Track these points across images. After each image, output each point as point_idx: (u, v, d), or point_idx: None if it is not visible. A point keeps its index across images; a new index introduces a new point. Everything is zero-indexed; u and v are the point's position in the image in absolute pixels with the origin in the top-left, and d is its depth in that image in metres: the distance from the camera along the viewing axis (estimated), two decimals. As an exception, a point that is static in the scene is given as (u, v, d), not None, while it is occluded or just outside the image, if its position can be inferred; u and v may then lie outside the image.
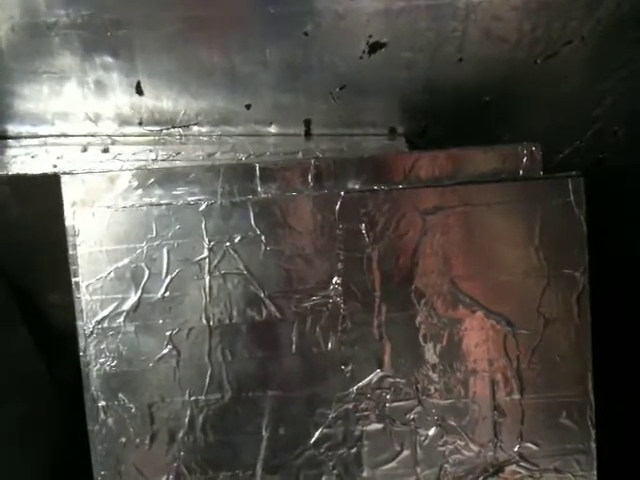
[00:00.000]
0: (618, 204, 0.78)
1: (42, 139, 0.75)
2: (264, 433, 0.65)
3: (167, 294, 0.64)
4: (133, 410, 0.64)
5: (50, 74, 0.70)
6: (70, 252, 0.64)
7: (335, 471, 0.66)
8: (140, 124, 0.75)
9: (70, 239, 0.64)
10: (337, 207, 0.65)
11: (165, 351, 0.65)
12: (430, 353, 0.66)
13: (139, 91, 0.72)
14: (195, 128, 0.76)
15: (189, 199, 0.65)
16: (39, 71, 0.70)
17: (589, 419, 0.66)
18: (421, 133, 0.79)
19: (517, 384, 0.66)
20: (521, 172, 0.66)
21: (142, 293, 0.64)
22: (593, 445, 0.66)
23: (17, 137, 0.75)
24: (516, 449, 0.66)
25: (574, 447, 0.66)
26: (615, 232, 0.77)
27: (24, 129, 0.75)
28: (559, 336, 0.66)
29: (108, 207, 0.64)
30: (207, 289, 0.65)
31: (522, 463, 0.66)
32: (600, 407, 0.66)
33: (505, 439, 0.66)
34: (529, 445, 0.66)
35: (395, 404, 0.66)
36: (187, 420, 0.65)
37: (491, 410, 0.66)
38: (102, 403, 0.64)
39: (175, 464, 0.65)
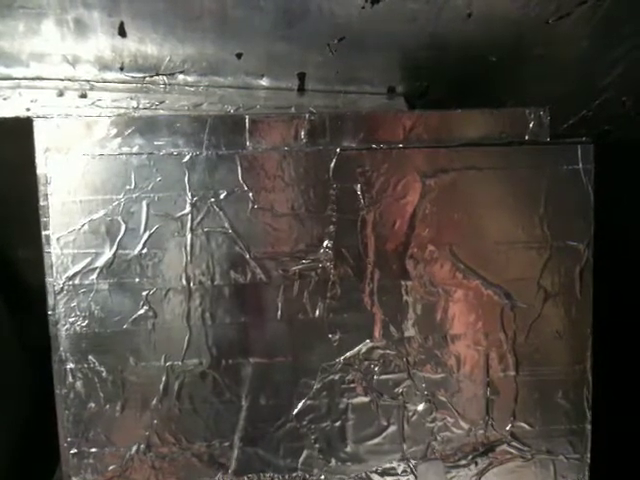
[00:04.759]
0: (623, 178, 0.75)
1: (15, 81, 0.70)
2: (244, 402, 0.61)
3: (144, 251, 0.60)
4: (104, 374, 0.60)
5: (26, 9, 0.64)
6: (41, 202, 0.60)
7: (317, 445, 0.62)
8: (121, 69, 0.70)
9: (41, 188, 0.60)
10: (332, 165, 0.61)
11: (141, 312, 0.60)
12: (423, 324, 0.62)
13: (122, 33, 0.66)
14: (181, 77, 0.71)
15: (172, 150, 0.60)
16: (14, 5, 0.64)
17: (586, 400, 0.63)
18: (421, 94, 0.74)
19: (512, 360, 0.63)
20: (527, 137, 0.63)
21: (117, 249, 0.60)
22: (588, 427, 0.64)
23: (-12, 78, 0.70)
24: (508, 428, 0.64)
25: (568, 428, 0.64)
26: (618, 207, 0.74)
27: (-4, 69, 0.70)
28: (559, 311, 0.63)
29: (84, 155, 0.59)
30: (188, 247, 0.60)
31: (514, 443, 0.64)
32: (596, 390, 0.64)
33: (497, 417, 0.63)
34: (522, 424, 0.64)
35: (383, 377, 0.63)
36: (162, 386, 0.61)
37: (484, 386, 0.63)
38: (71, 365, 0.60)
39: (147, 433, 0.61)
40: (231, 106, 0.71)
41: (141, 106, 0.70)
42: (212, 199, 0.60)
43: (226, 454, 0.61)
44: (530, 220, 0.62)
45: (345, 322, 0.62)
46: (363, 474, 0.63)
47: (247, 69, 0.71)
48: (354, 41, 0.68)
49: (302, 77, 0.72)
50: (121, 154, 0.60)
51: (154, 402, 0.61)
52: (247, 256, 0.61)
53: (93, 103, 0.69)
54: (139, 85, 0.71)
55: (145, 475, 0.61)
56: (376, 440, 0.63)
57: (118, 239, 0.60)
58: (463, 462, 0.64)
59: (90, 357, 0.60)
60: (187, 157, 0.60)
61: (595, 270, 0.63)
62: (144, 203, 0.60)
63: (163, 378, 0.61)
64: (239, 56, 0.69)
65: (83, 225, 0.59)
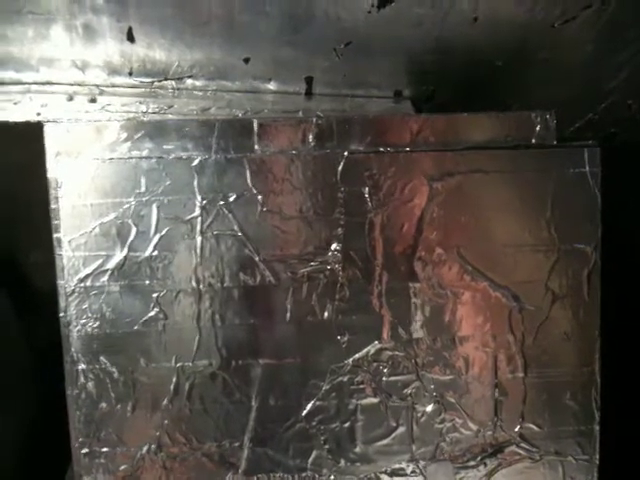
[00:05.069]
0: (629, 180, 0.76)
1: (25, 86, 0.71)
2: (253, 403, 0.62)
3: (155, 253, 0.60)
4: (115, 374, 0.61)
5: (35, 15, 0.65)
6: (52, 206, 0.60)
7: (327, 446, 0.63)
8: (130, 74, 0.71)
9: (52, 192, 0.60)
10: (340, 168, 0.61)
11: (151, 314, 0.61)
12: (431, 326, 0.62)
13: (130, 38, 0.67)
14: (189, 81, 0.72)
15: (181, 154, 0.61)
16: (23, 11, 0.65)
17: (594, 401, 0.63)
18: (428, 98, 0.75)
19: (521, 362, 0.63)
20: (534, 140, 0.63)
21: (128, 251, 0.60)
22: (596, 428, 0.64)
23: (-1, 83, 0.71)
24: (517, 429, 0.64)
25: (576, 429, 0.64)
26: (624, 209, 0.74)
27: (6, 75, 0.70)
28: (567, 313, 0.63)
29: (94, 159, 0.60)
30: (198, 250, 0.61)
31: (522, 444, 0.64)
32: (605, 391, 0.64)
33: (506, 419, 0.64)
34: (530, 426, 0.64)
35: (392, 378, 0.63)
36: (172, 387, 0.61)
37: (492, 388, 0.63)
38: (82, 366, 0.60)
39: (158, 433, 0.61)
40: (239, 110, 0.71)
41: (150, 110, 0.70)
42: (221, 202, 0.61)
43: (236, 454, 0.62)
44: (537, 223, 0.62)
45: (354, 324, 0.62)
46: (372, 475, 0.63)
47: (255, 73, 0.71)
48: (361, 45, 0.69)
49: (309, 81, 0.72)
50: (131, 158, 0.60)
51: (165, 402, 0.61)
52: (256, 258, 0.61)
53: (103, 108, 0.70)
54: (148, 90, 0.72)
55: (156, 475, 0.61)
56: (385, 441, 0.63)
57: (129, 242, 0.60)
58: (472, 463, 0.64)
59: (101, 358, 0.60)
60: (196, 161, 0.60)
61: (602, 272, 0.63)
62: (154, 206, 0.60)
63: (174, 379, 0.61)
64: (246, 61, 0.70)
65: (94, 228, 0.60)
